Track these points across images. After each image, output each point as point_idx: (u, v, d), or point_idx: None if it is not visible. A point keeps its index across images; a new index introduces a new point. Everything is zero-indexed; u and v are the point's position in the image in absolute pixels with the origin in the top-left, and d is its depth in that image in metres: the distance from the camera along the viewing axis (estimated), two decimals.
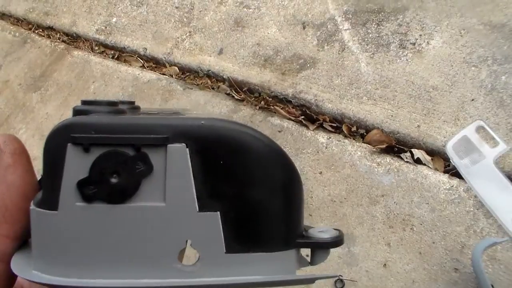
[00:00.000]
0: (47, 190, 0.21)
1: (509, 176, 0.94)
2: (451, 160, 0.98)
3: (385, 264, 0.92)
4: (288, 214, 0.24)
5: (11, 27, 1.82)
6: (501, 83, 1.03)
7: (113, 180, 0.21)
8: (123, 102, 0.38)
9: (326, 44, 1.22)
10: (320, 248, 0.25)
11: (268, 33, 1.31)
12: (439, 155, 1.01)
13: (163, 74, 1.41)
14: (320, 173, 1.05)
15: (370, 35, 1.19)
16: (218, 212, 0.22)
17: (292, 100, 1.17)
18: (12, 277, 0.24)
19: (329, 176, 1.04)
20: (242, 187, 0.22)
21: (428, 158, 1.00)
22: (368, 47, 1.17)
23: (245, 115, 1.19)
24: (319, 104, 1.13)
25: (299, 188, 0.24)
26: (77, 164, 0.20)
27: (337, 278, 0.91)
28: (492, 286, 0.85)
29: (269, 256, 0.23)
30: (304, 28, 1.27)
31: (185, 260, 0.22)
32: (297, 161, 1.08)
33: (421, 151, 1.01)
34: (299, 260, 0.24)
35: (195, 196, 0.21)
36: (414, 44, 1.14)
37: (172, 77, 1.38)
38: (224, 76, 1.28)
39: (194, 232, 0.22)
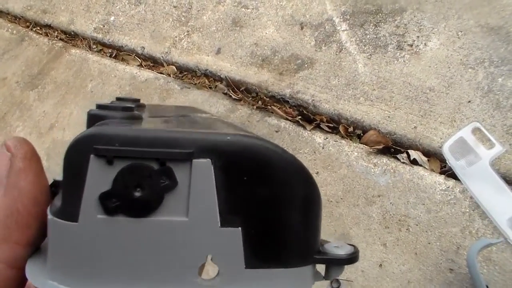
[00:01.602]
0: (67, 200, 0.21)
1: (505, 178, 0.95)
2: (447, 161, 0.99)
3: (381, 265, 0.92)
4: (308, 230, 0.24)
5: (9, 25, 1.81)
6: (498, 85, 1.03)
7: (137, 194, 0.20)
8: (127, 100, 0.37)
9: (323, 44, 1.22)
10: (336, 264, 0.25)
11: (266, 33, 1.30)
12: (435, 156, 1.01)
13: (161, 73, 1.40)
14: (317, 173, 1.05)
15: (368, 36, 1.19)
16: (240, 228, 0.21)
17: (290, 100, 1.17)
18: (23, 282, 0.24)
19: (326, 176, 1.04)
20: (265, 203, 0.22)
21: (425, 159, 1.00)
22: (365, 48, 1.17)
23: (242, 115, 1.19)
24: (316, 104, 1.13)
25: (319, 204, 0.24)
26: (100, 176, 0.20)
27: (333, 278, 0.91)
28: (487, 286, 0.85)
29: (287, 272, 0.23)
30: (302, 28, 1.27)
31: (204, 274, 0.22)
32: None
33: (418, 152, 1.01)
34: (314, 275, 0.25)
35: (218, 212, 0.21)
36: (411, 45, 1.14)
37: (170, 76, 1.38)
38: (222, 76, 1.28)
39: (215, 247, 0.21)
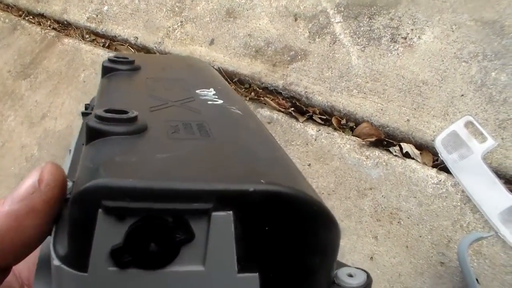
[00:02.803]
0: (75, 249, 0.19)
1: (497, 172, 0.93)
2: (439, 155, 0.97)
3: (371, 257, 0.90)
4: (327, 270, 0.23)
5: (1, 13, 1.78)
6: (491, 79, 1.02)
7: (151, 248, 0.19)
8: (121, 62, 0.35)
9: (317, 36, 1.20)
10: None
11: (259, 24, 1.28)
12: (427, 149, 1.00)
13: None
14: (309, 165, 1.03)
15: (362, 29, 1.17)
16: (257, 274, 0.20)
17: (282, 92, 1.15)
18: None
19: (318, 168, 1.02)
20: (286, 249, 0.21)
21: (417, 152, 0.99)
22: (359, 40, 1.16)
23: None
24: (309, 96, 1.11)
25: (339, 244, 0.23)
26: (110, 232, 0.18)
27: None
28: (477, 280, 0.84)
29: None
30: (296, 20, 1.25)
31: None
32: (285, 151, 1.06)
33: (410, 145, 1.00)
34: None
35: (236, 260, 0.20)
36: (405, 38, 1.12)
37: None
38: (215, 67, 1.26)
39: None
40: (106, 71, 0.36)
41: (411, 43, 1.11)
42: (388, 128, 1.03)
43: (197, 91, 0.32)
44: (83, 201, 0.18)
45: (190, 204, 0.18)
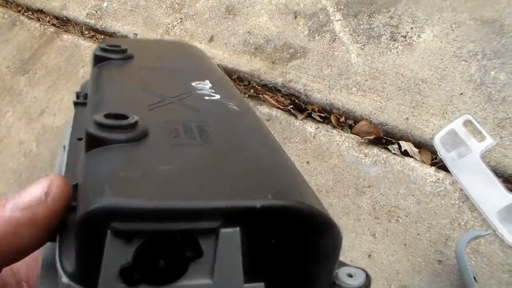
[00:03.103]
0: (84, 268, 0.19)
1: (495, 171, 0.93)
2: (438, 153, 0.97)
3: (369, 255, 0.90)
4: (328, 274, 0.24)
5: (0, 9, 1.77)
6: (490, 78, 1.01)
7: (160, 265, 0.19)
8: (113, 50, 0.34)
9: (317, 34, 1.20)
10: None
11: (259, 21, 1.28)
12: (426, 147, 0.99)
13: None
14: (307, 162, 1.03)
15: (362, 27, 1.16)
16: (263, 283, 0.21)
17: (282, 89, 1.14)
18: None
19: (316, 166, 1.02)
20: (291, 258, 0.22)
21: (416, 150, 0.99)
22: (359, 39, 1.15)
23: None
24: (308, 93, 1.11)
25: (340, 248, 0.24)
26: (119, 252, 0.18)
27: None
28: (474, 278, 0.84)
29: None
30: (295, 17, 1.24)
31: None
32: (284, 150, 1.05)
33: (409, 143, 1.00)
34: None
35: (242, 272, 0.20)
36: (405, 36, 1.12)
37: None
38: None
39: None
40: (98, 60, 0.36)
41: (411, 41, 1.11)
42: (387, 126, 1.02)
43: (193, 84, 0.32)
44: (91, 223, 0.18)
45: (199, 223, 0.19)
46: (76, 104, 0.37)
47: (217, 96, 0.31)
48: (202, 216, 0.19)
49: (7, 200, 0.21)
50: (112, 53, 0.36)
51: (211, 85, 0.33)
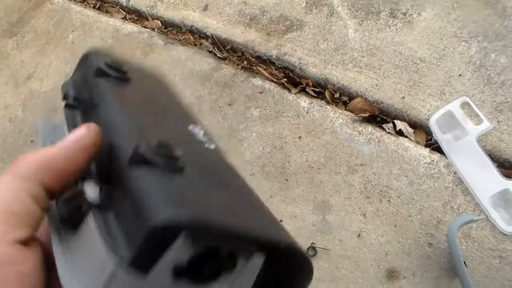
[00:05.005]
0: (142, 259, 0.21)
1: (490, 155, 0.87)
2: (433, 134, 0.91)
3: (359, 235, 0.84)
4: None
5: None
6: (490, 60, 0.95)
7: (204, 270, 0.22)
8: (116, 70, 0.36)
9: (314, 7, 1.12)
10: None
11: None
12: (421, 128, 0.93)
13: (145, 27, 1.28)
14: (300, 138, 0.96)
15: (361, 2, 1.09)
16: None
17: (276, 62, 1.07)
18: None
19: (308, 142, 0.95)
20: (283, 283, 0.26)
21: (411, 130, 0.92)
22: (357, 14, 1.07)
23: (227, 74, 1.08)
24: (303, 67, 1.03)
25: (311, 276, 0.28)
26: (179, 254, 0.21)
27: (309, 245, 0.84)
28: (465, 262, 0.78)
29: None
30: None
31: None
32: (276, 124, 0.98)
33: (404, 123, 0.93)
34: None
35: None
36: (405, 14, 1.04)
37: (154, 30, 1.26)
38: (208, 33, 1.17)
39: None
40: (99, 73, 0.37)
41: (411, 19, 1.03)
42: (382, 105, 0.96)
43: (189, 128, 0.35)
44: (168, 228, 0.20)
45: (245, 245, 0.23)
46: (68, 106, 0.37)
47: (212, 146, 0.34)
48: (247, 241, 0.23)
49: (54, 145, 0.27)
50: (113, 71, 0.37)
51: (203, 132, 0.36)
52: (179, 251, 0.21)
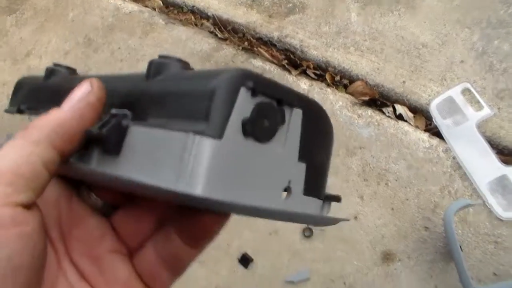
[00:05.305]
0: (215, 121, 0.23)
1: (490, 141, 0.87)
2: (433, 119, 0.90)
3: (356, 217, 0.84)
4: (326, 176, 0.30)
5: None
6: (493, 47, 0.94)
7: (264, 124, 0.24)
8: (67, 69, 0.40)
9: None
10: (333, 200, 0.32)
11: None
12: (421, 113, 0.92)
13: (146, 6, 1.27)
14: None
15: None
16: (305, 164, 0.27)
17: (277, 44, 1.05)
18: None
19: None
20: (317, 147, 0.28)
21: (410, 115, 0.92)
22: None
23: (227, 55, 1.07)
24: (304, 50, 1.02)
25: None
26: (244, 106, 0.23)
27: (305, 226, 0.83)
28: (460, 247, 0.78)
29: (318, 201, 0.29)
30: None
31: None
32: None
33: (404, 107, 0.92)
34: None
35: (298, 149, 0.26)
36: None
37: (155, 10, 1.24)
38: (209, 14, 1.15)
39: (293, 175, 0.26)
40: (50, 73, 0.40)
41: (414, 4, 1.02)
42: (382, 88, 0.95)
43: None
44: (233, 81, 0.23)
45: (288, 99, 0.25)
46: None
47: None
48: (289, 95, 0.25)
49: (64, 102, 0.27)
50: (63, 68, 0.40)
51: None
52: (242, 105, 0.23)
